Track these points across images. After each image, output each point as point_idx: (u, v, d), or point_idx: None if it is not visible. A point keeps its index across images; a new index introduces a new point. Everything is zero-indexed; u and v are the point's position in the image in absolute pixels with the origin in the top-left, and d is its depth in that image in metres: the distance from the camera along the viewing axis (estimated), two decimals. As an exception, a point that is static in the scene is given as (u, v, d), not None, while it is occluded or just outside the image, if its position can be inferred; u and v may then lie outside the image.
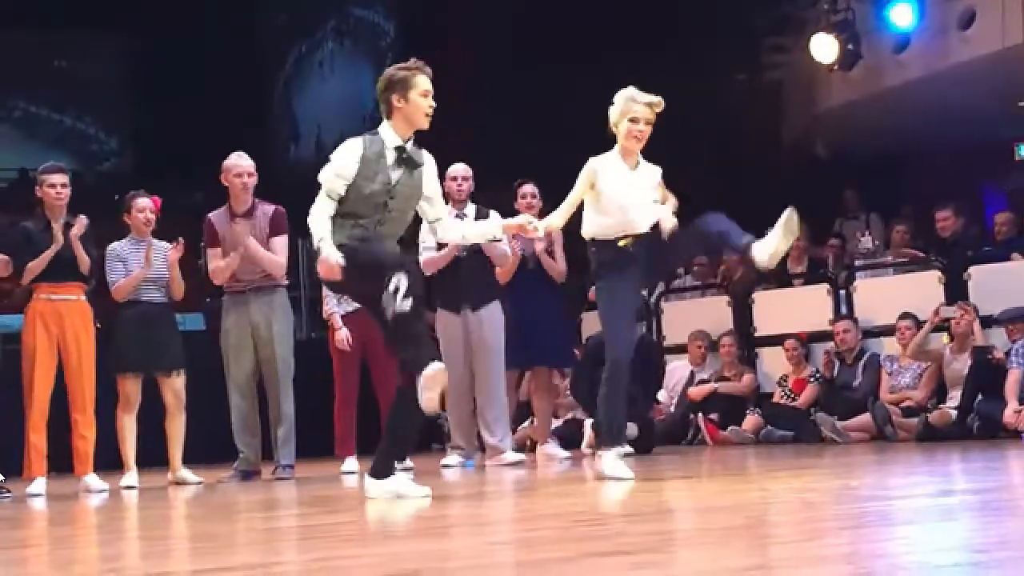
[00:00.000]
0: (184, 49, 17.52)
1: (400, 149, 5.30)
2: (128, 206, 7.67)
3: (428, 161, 5.48)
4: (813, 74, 12.02)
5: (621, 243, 5.88)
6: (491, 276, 8.01)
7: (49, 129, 19.73)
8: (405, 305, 4.93)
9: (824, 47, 11.26)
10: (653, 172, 6.05)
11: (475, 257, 7.87)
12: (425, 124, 5.34)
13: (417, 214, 5.61)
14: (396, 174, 5.30)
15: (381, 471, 5.24)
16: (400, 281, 4.95)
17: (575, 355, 9.20)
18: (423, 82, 5.29)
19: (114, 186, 14.56)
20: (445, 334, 7.94)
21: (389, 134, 5.32)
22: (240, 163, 7.66)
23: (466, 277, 7.86)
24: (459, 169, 8.03)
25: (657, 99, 5.86)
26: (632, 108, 5.83)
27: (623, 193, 5.86)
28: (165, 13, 17.40)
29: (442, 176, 7.90)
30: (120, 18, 18.30)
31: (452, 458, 8.03)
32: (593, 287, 10.15)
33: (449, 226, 5.74)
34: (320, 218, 5.26)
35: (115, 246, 7.65)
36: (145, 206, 7.66)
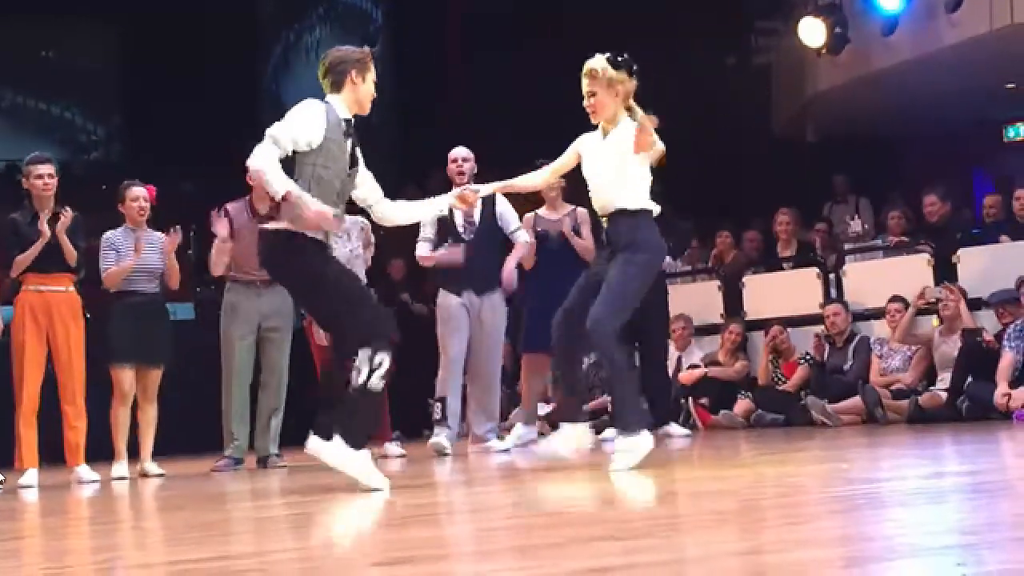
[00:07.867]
0: (172, 37, 17.44)
1: (349, 122, 5.16)
2: (122, 196, 7.63)
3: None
4: (802, 58, 12.02)
5: (602, 218, 5.59)
6: (497, 262, 7.77)
7: (36, 119, 19.62)
8: (377, 384, 4.87)
9: (812, 31, 11.26)
10: (622, 134, 5.46)
11: (482, 241, 7.70)
12: (368, 109, 5.23)
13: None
14: (348, 144, 5.16)
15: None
16: (384, 359, 4.86)
17: None
18: (374, 71, 5.23)
19: (103, 176, 14.49)
20: (447, 317, 7.73)
21: (340, 106, 5.16)
22: None
23: (472, 261, 7.61)
24: (460, 151, 7.81)
25: (586, 66, 5.51)
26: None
27: (587, 164, 5.62)
28: (152, 1, 17.33)
29: (444, 161, 7.89)
30: (107, 6, 18.21)
31: (443, 438, 7.70)
32: None
33: (389, 208, 5.48)
34: (275, 165, 4.97)
35: (110, 235, 7.62)
36: (139, 195, 7.62)
